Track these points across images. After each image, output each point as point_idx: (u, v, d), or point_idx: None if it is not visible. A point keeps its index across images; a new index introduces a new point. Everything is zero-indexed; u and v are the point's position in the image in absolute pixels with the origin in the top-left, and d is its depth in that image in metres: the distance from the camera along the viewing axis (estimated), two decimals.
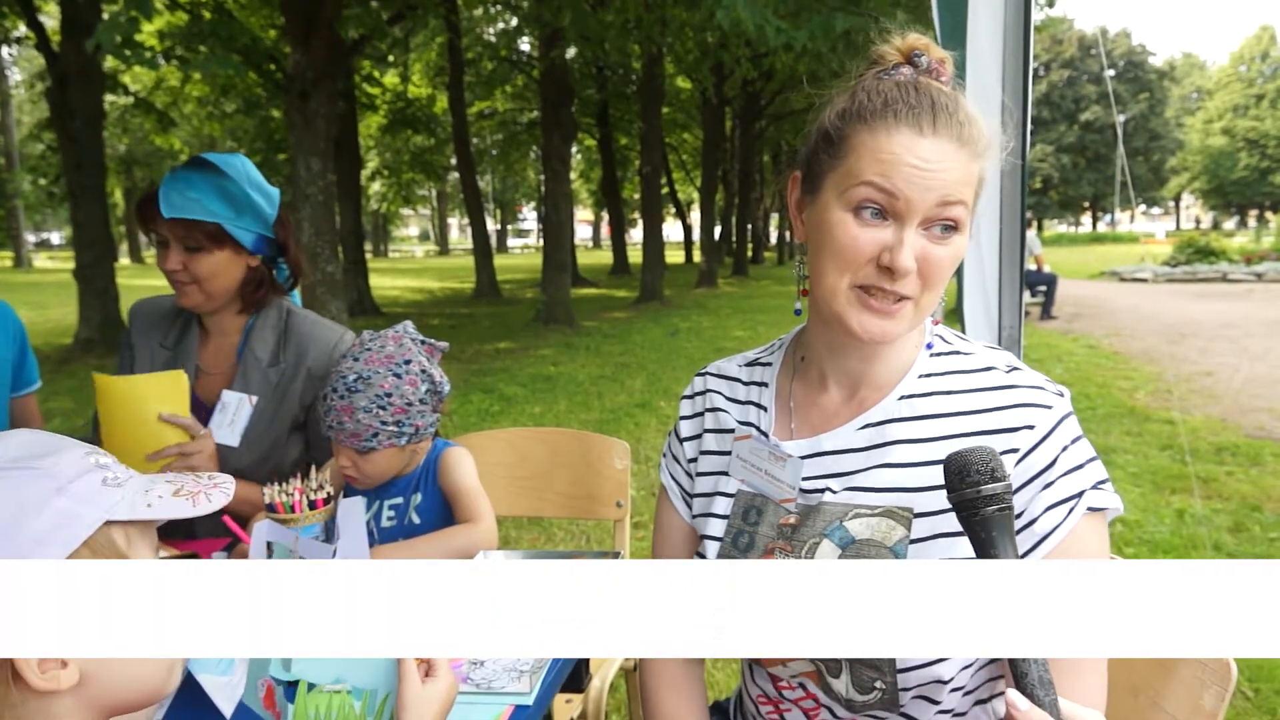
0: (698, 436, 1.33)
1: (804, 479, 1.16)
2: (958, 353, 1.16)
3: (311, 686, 1.04)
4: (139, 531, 0.87)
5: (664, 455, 1.40)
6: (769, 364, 1.29)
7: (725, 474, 1.26)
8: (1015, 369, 1.11)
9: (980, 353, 1.15)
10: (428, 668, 1.03)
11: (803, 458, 1.17)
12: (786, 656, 1.14)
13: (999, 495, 0.82)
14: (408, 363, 1.74)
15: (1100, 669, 1.05)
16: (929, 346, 1.18)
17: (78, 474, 0.83)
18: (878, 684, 1.07)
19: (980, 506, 0.82)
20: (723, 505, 1.24)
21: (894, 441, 1.12)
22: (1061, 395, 1.08)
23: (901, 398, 1.14)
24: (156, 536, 0.93)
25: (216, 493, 0.91)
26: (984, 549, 0.82)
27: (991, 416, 1.07)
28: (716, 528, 1.23)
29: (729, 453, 1.26)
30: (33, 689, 0.78)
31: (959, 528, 1.03)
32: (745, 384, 1.30)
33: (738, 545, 1.20)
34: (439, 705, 1.01)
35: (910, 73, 1.09)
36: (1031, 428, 1.05)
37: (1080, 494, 1.04)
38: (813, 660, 1.12)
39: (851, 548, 1.09)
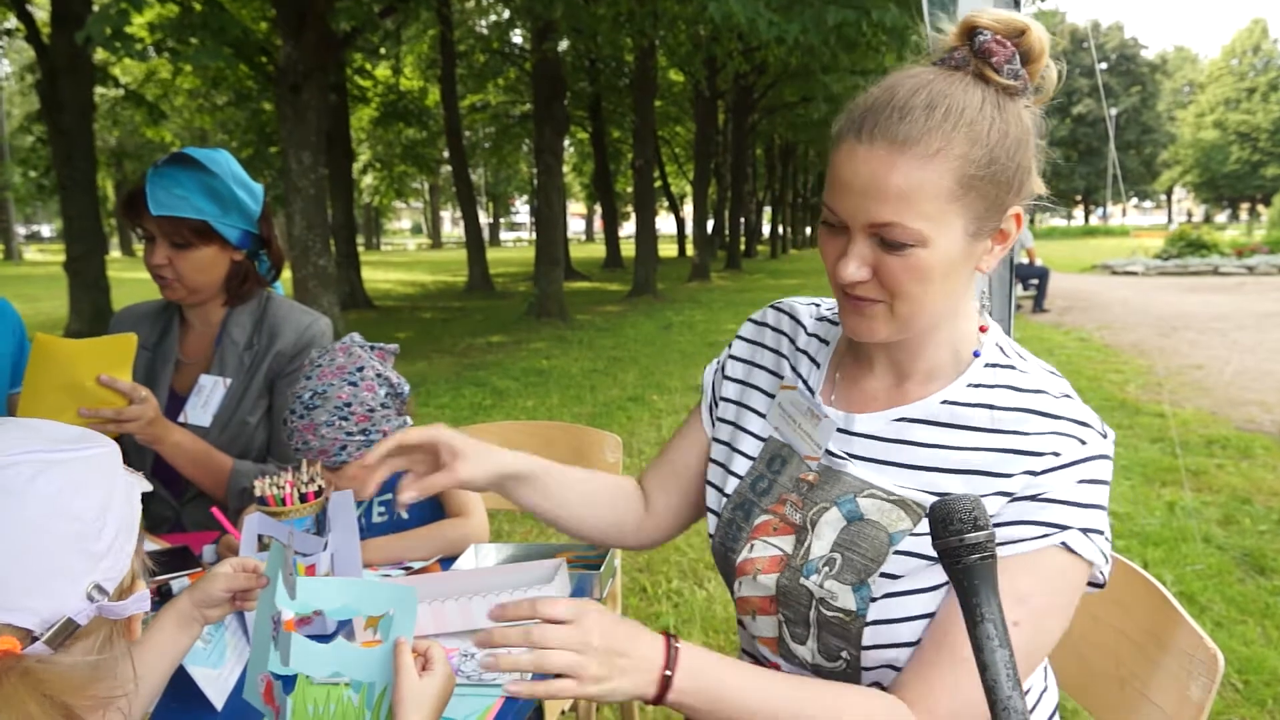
0: (748, 363, 1.32)
1: (831, 445, 1.17)
2: (1013, 368, 1.11)
3: (309, 680, 1.04)
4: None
5: (715, 362, 1.39)
6: (836, 324, 1.27)
7: (757, 413, 1.26)
8: (1067, 397, 1.07)
9: (1035, 373, 1.11)
10: (424, 660, 1.03)
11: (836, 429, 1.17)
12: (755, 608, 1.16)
13: (981, 544, 0.83)
14: (360, 370, 1.72)
15: (969, 672, 1.02)
16: (976, 355, 1.13)
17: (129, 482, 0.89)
18: (844, 654, 1.08)
19: (963, 555, 0.83)
20: (751, 445, 1.24)
21: (925, 444, 1.10)
22: (1105, 437, 1.05)
23: (944, 402, 1.11)
24: None
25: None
26: (966, 596, 0.83)
27: (1026, 439, 1.04)
28: (741, 465, 1.24)
29: (767, 394, 1.27)
30: (132, 636, 0.84)
31: None
32: (808, 334, 1.28)
33: (755, 489, 1.20)
34: (436, 698, 1.01)
35: (963, 56, 1.02)
36: (1057, 455, 1.02)
37: (1064, 528, 1.01)
38: (778, 623, 1.14)
39: (856, 523, 1.09)
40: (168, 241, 1.93)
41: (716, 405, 1.34)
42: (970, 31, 1.02)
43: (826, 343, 1.26)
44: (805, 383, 1.23)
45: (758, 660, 1.23)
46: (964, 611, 0.83)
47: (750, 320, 1.36)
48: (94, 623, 0.78)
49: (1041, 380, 1.09)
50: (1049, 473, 1.02)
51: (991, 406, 1.08)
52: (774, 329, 1.31)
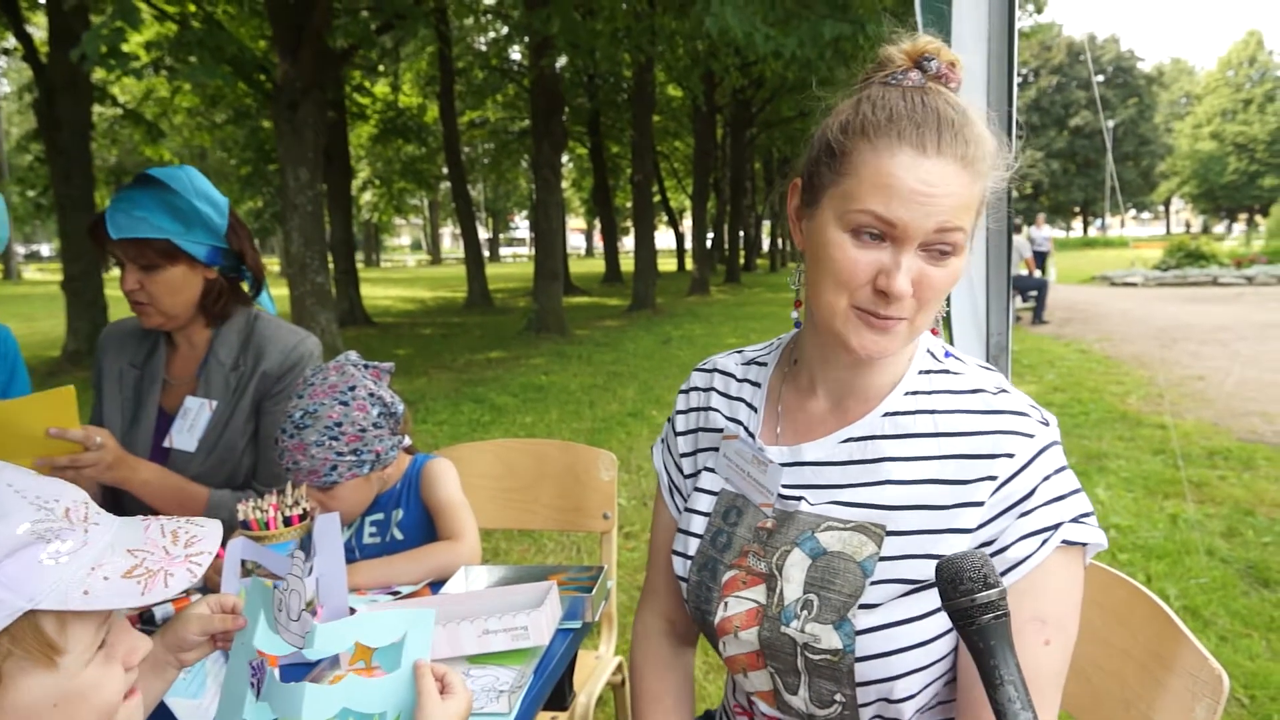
0: (692, 432, 1.32)
1: (783, 486, 1.16)
2: (947, 371, 1.14)
3: None
4: (76, 615, 0.78)
5: (660, 441, 1.40)
6: (764, 364, 1.28)
7: (708, 470, 1.26)
8: (1004, 391, 1.09)
9: (970, 373, 1.13)
10: (442, 684, 1.02)
11: (783, 465, 1.16)
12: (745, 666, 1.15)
13: (994, 603, 0.79)
14: (352, 389, 1.69)
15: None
16: (929, 353, 1.16)
17: (9, 551, 0.74)
18: (837, 697, 1.07)
19: (976, 615, 0.79)
20: (705, 502, 1.24)
21: (874, 459, 1.10)
22: (1046, 424, 1.06)
23: (886, 414, 1.12)
24: (105, 614, 0.83)
25: (180, 571, 0.81)
26: (982, 658, 0.79)
27: (973, 440, 1.06)
28: (699, 524, 1.23)
29: (714, 450, 1.27)
30: None
31: (928, 550, 1.03)
32: (739, 380, 1.29)
33: (715, 544, 1.20)
34: None
35: (918, 78, 1.05)
36: (1011, 455, 1.03)
37: (1057, 526, 1.02)
38: (770, 675, 1.12)
39: (822, 559, 1.08)
40: (136, 266, 1.87)
41: (675, 489, 1.34)
42: (921, 57, 1.07)
43: (759, 385, 1.27)
44: (746, 429, 1.23)
45: (752, 714, 1.21)
46: (981, 675, 0.79)
47: (681, 392, 1.37)
48: None
49: (976, 379, 1.12)
50: (1013, 479, 1.03)
51: (933, 411, 1.10)
52: (703, 389, 1.32)
